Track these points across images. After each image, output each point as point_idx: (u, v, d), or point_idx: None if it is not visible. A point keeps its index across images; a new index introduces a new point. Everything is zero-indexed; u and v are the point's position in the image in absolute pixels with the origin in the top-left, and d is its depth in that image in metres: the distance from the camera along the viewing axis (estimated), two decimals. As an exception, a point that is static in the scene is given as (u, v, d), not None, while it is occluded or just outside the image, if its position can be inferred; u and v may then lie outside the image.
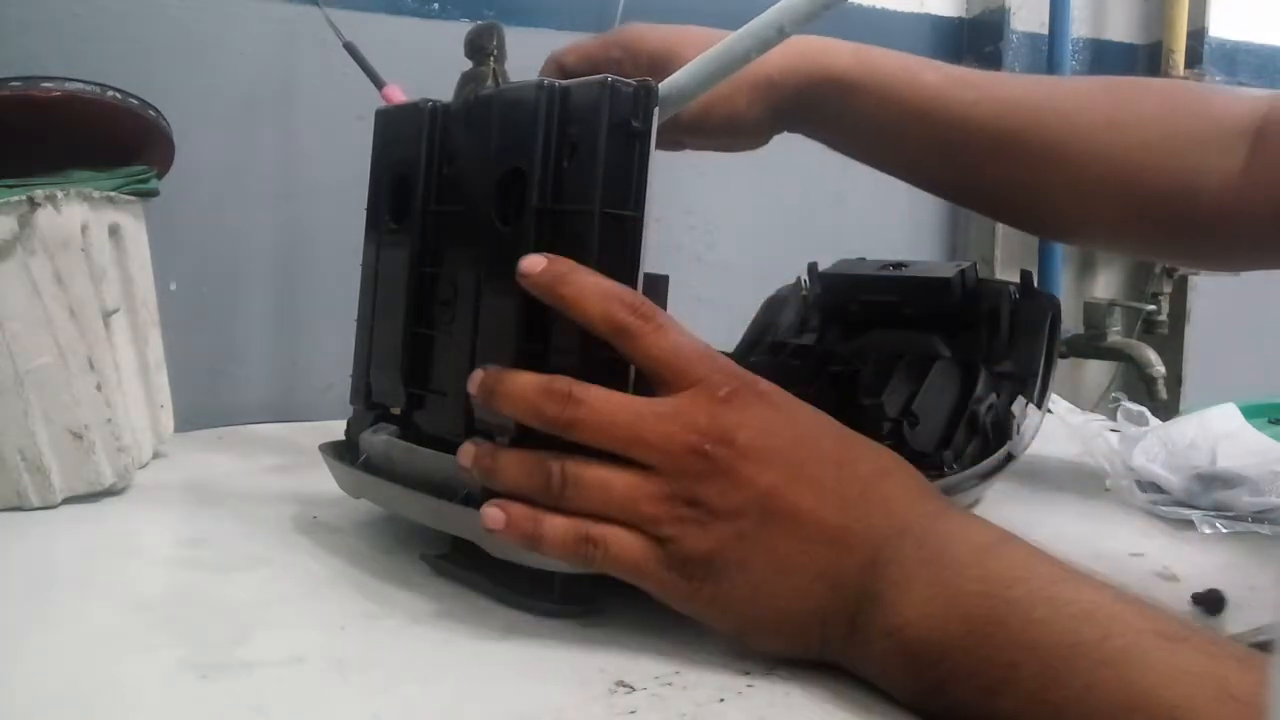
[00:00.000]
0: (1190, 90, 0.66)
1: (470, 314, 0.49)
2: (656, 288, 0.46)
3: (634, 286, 0.44)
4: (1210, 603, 0.50)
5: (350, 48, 0.82)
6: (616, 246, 0.44)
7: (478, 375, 0.44)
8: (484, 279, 0.48)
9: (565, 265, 0.43)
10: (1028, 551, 0.38)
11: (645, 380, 0.43)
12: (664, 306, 0.46)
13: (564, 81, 0.46)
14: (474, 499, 0.46)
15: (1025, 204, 0.67)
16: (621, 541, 0.41)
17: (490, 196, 0.48)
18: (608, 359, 0.43)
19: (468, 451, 0.44)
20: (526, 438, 0.43)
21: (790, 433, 0.42)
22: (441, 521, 0.48)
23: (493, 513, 0.42)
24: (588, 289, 0.42)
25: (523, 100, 0.47)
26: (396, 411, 0.55)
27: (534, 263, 0.43)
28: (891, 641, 0.37)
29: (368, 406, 0.57)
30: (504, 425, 0.46)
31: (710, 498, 0.40)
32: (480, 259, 0.49)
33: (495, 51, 0.61)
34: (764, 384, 0.43)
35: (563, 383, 0.42)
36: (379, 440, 0.54)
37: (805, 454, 0.41)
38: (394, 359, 0.54)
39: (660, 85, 0.45)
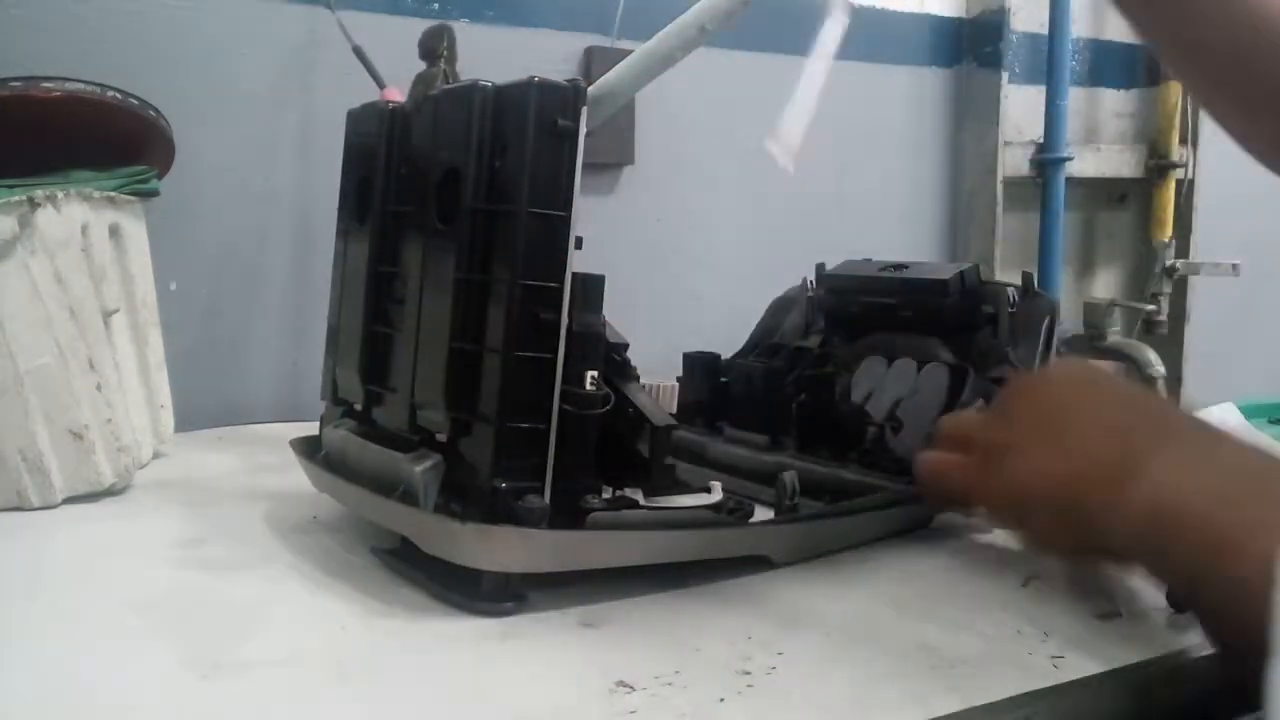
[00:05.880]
0: None
1: (416, 312, 0.49)
2: (590, 287, 0.47)
3: (561, 286, 0.45)
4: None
5: (358, 51, 0.82)
6: (544, 246, 0.45)
7: None
8: (424, 278, 0.49)
9: None
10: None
11: (571, 370, 0.45)
12: (599, 306, 0.46)
13: (499, 82, 0.47)
14: (411, 495, 0.46)
15: None
16: None
17: (432, 196, 0.49)
18: (532, 357, 0.44)
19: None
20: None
21: None
22: (382, 516, 0.48)
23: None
24: None
25: (460, 101, 0.48)
26: (359, 407, 0.56)
27: None
28: (1146, 503, 0.40)
29: (335, 402, 0.57)
30: (441, 424, 0.46)
31: None
32: (423, 258, 0.49)
33: (445, 53, 0.61)
34: None
35: None
36: (336, 436, 0.54)
37: None
38: (353, 356, 0.54)
39: (590, 86, 0.46)
